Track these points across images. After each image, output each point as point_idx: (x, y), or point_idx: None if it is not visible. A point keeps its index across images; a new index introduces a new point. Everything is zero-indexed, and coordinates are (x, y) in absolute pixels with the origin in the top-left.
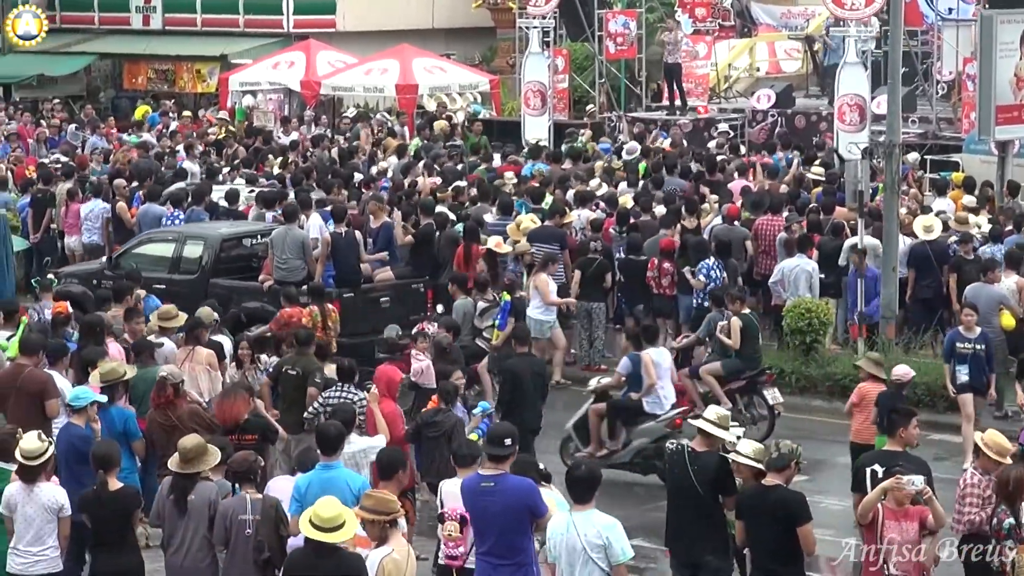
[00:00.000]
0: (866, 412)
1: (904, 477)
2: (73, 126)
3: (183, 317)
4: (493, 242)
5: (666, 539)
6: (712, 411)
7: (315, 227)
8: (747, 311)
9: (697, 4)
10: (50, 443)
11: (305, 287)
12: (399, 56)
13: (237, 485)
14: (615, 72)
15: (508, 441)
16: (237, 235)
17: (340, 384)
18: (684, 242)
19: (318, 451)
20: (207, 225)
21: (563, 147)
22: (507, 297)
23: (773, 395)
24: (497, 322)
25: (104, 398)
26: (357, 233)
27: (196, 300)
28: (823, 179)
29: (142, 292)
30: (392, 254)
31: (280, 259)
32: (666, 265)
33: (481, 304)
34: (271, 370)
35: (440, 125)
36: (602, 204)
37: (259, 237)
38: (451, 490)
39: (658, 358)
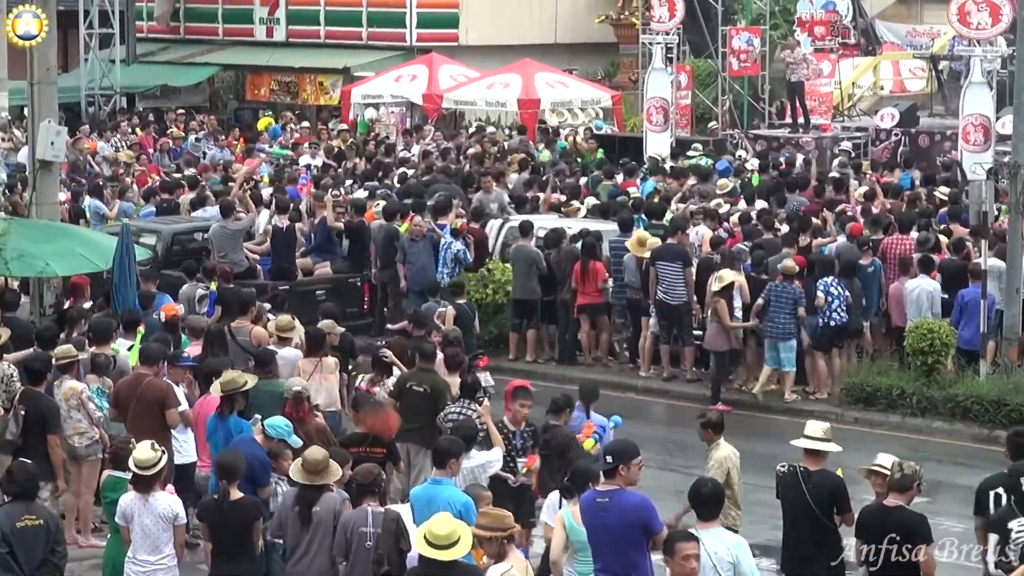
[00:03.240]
0: None
1: None
2: (193, 137)
3: (301, 328)
4: (730, 276)
5: (782, 562)
6: (811, 427)
7: (263, 223)
8: (462, 301)
9: (816, 23)
10: (163, 452)
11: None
12: (521, 71)
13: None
14: (738, 89)
15: (609, 458)
16: (189, 230)
17: (462, 399)
18: (809, 260)
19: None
20: (162, 220)
21: (684, 162)
22: (213, 287)
23: (485, 378)
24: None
25: (298, 443)
26: (298, 226)
27: None
28: (946, 199)
29: (267, 305)
30: (331, 250)
31: (220, 253)
32: (795, 284)
33: (200, 291)
34: (393, 388)
35: (569, 143)
36: (727, 223)
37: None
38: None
39: None
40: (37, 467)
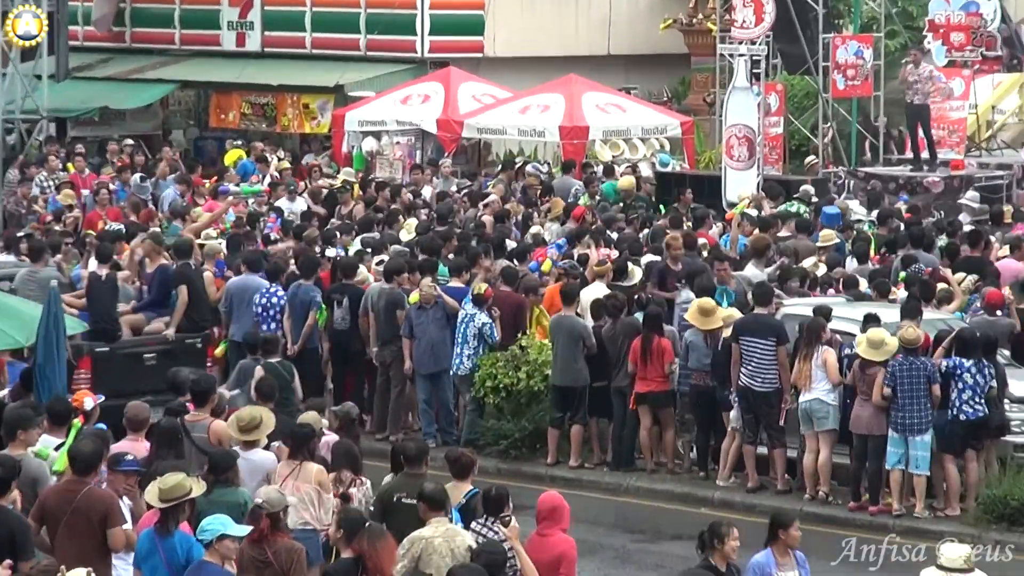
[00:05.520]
0: None
1: None
2: (138, 176)
3: (271, 422)
4: (893, 342)
5: None
6: (947, 552)
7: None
8: (274, 360)
9: (953, 28)
10: None
11: None
12: (565, 90)
13: None
14: (844, 114)
15: None
16: None
17: (484, 516)
18: (937, 337)
19: None
20: None
21: (781, 207)
22: None
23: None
24: None
25: (244, 531)
26: (122, 275)
27: None
28: None
29: (227, 394)
30: (166, 303)
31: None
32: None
33: None
34: (375, 506)
35: (626, 182)
36: (831, 288)
37: (11, 280)
38: None
39: None
40: None
